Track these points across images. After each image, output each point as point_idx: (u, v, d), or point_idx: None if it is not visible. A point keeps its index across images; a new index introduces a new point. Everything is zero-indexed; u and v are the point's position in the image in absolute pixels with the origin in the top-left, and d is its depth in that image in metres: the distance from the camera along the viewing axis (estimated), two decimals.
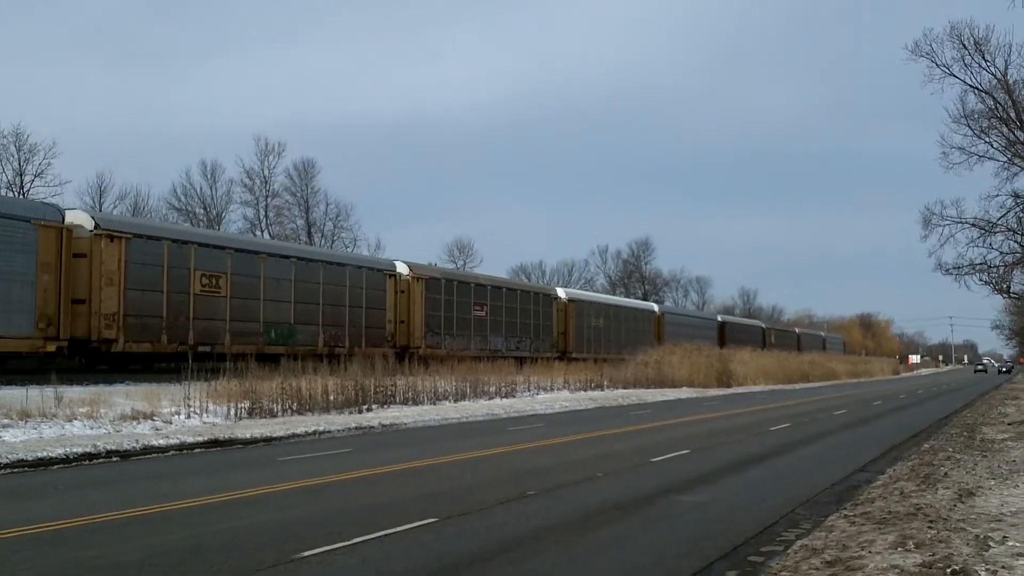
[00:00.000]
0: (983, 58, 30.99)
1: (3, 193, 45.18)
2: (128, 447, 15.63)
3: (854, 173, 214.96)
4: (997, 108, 32.09)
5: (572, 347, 50.30)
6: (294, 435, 18.85)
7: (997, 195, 33.19)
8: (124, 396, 20.36)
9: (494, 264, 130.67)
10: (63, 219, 24.56)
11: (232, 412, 21.02)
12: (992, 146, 32.66)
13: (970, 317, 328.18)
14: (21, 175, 49.35)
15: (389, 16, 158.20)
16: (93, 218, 25.75)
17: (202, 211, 61.23)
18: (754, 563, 7.68)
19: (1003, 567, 6.44)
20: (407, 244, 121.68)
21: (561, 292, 53.08)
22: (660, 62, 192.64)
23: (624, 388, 41.27)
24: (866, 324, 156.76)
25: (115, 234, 25.40)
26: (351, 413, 23.66)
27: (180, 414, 19.65)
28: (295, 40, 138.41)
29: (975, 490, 10.22)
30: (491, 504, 10.30)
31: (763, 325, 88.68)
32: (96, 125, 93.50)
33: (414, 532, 8.60)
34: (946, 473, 11.98)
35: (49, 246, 23.58)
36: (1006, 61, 30.84)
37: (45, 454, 14.15)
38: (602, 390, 39.36)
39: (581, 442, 18.71)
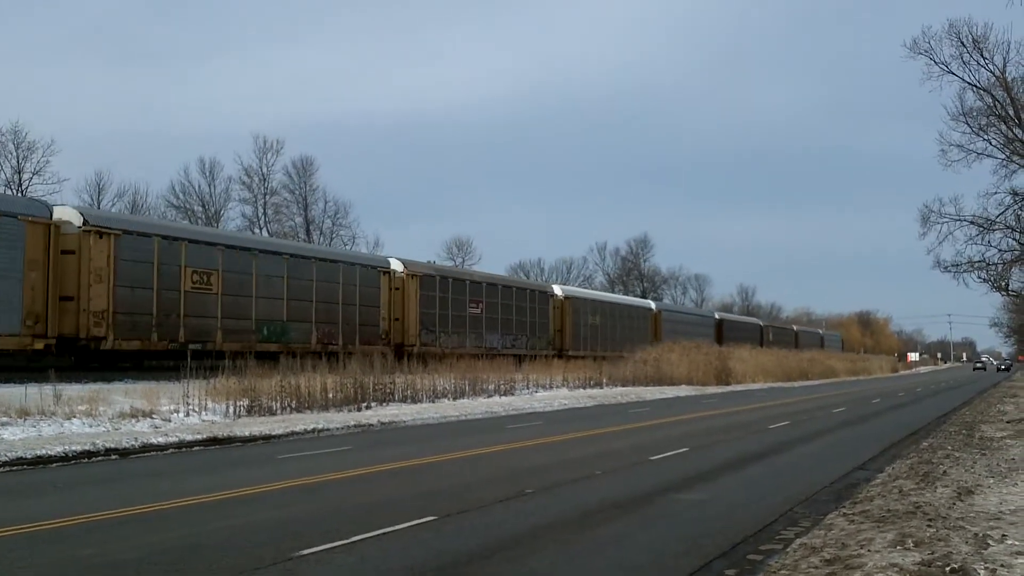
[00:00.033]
0: (981, 56, 31.07)
1: (1, 191, 45.13)
2: (127, 445, 15.63)
3: (854, 173, 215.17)
4: (995, 106, 32.14)
5: (568, 345, 50.13)
6: (293, 433, 18.84)
7: (995, 192, 33.28)
8: (123, 394, 20.36)
9: (493, 262, 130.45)
10: (51, 215, 24.26)
11: (231, 410, 21.01)
12: (991, 143, 32.75)
13: (969, 315, 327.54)
14: (19, 173, 49.38)
15: (389, 16, 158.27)
16: (82, 214, 25.40)
17: (200, 209, 61.25)
18: (753, 561, 7.68)
19: (1002, 565, 6.43)
20: (407, 243, 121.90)
21: (557, 289, 52.87)
22: (660, 62, 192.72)
23: (623, 386, 41.28)
24: (865, 322, 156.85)
25: (104, 230, 25.05)
26: (350, 411, 23.65)
27: (179, 412, 19.64)
28: (295, 40, 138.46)
29: (974, 488, 10.22)
30: (490, 502, 10.29)
31: (761, 323, 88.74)
32: (96, 125, 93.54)
33: (413, 530, 8.59)
34: (945, 471, 11.98)
35: (37, 242, 23.26)
36: (1004, 59, 30.92)
37: (44, 452, 14.15)
38: (601, 388, 39.37)
39: (580, 440, 18.71)
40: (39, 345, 23.31)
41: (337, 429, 20.16)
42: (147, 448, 15.80)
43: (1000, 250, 34.74)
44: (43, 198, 39.51)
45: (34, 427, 16.30)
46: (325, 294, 32.94)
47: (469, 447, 16.60)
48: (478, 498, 10.54)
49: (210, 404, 20.78)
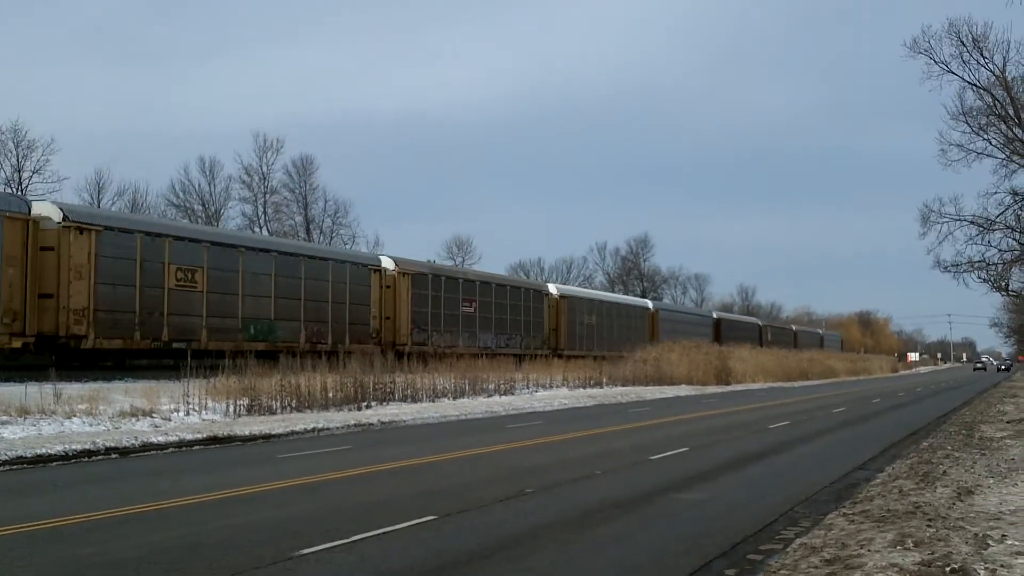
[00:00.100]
0: (981, 55, 31.06)
1: (2, 189, 45.12)
2: (127, 444, 15.64)
3: (854, 173, 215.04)
4: (995, 105, 32.13)
5: (564, 344, 49.71)
6: (293, 432, 18.84)
7: (995, 192, 33.28)
8: (123, 393, 20.35)
9: (494, 262, 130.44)
10: (29, 211, 23.86)
11: (231, 409, 21.01)
12: (991, 143, 32.74)
13: (969, 315, 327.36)
14: (19, 171, 49.35)
15: (389, 16, 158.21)
16: (62, 210, 24.82)
17: (200, 208, 61.21)
18: (753, 561, 7.67)
19: (1002, 566, 6.43)
20: (407, 242, 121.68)
21: (552, 288, 52.62)
22: (660, 62, 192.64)
23: (623, 385, 41.27)
24: (865, 322, 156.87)
25: (85, 226, 24.52)
26: (350, 410, 23.65)
27: (179, 411, 19.65)
28: (295, 40, 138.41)
29: (974, 488, 10.22)
30: (490, 502, 10.29)
31: (759, 322, 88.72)
32: (96, 124, 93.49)
33: (413, 530, 8.59)
34: (945, 471, 11.98)
35: (14, 238, 22.84)
36: (1004, 58, 30.91)
37: (44, 451, 14.15)
38: (601, 388, 39.36)
39: (580, 440, 18.71)
40: (17, 344, 22.85)
41: (337, 428, 20.16)
42: (147, 447, 15.81)
43: (1000, 250, 34.79)
44: (43, 196, 39.60)
45: (34, 426, 16.31)
46: (314, 292, 32.41)
47: (469, 447, 16.61)
48: (478, 497, 10.54)
49: (210, 403, 20.78)
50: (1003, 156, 32.62)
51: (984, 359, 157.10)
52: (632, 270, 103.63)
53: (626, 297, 71.11)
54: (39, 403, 17.40)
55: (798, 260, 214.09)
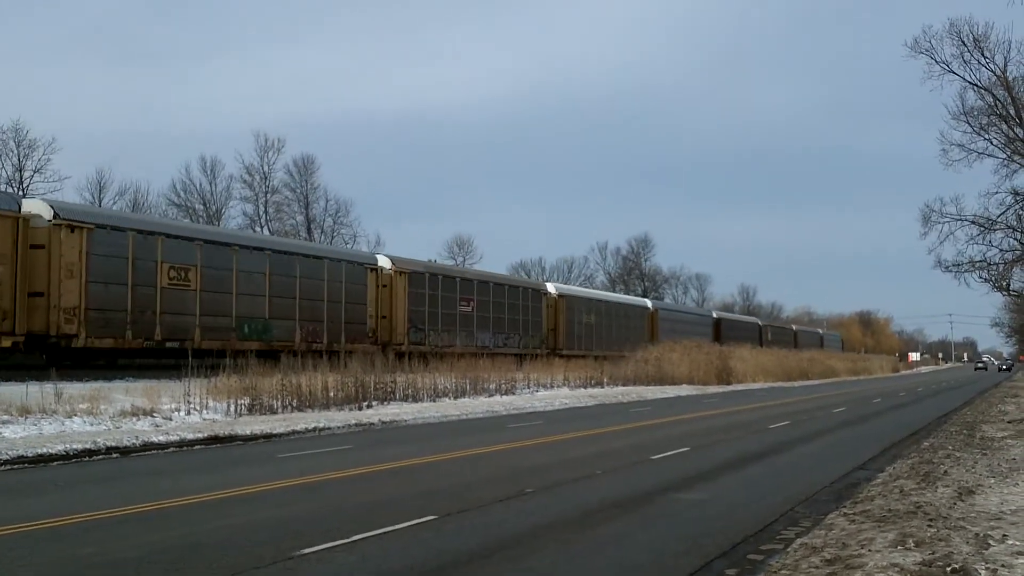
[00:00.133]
0: (982, 55, 31.03)
1: (3, 188, 45.13)
2: (128, 443, 15.64)
3: (854, 173, 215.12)
4: (996, 105, 32.11)
5: (562, 344, 49.50)
6: (294, 432, 18.84)
7: (997, 192, 33.27)
8: (124, 392, 20.36)
9: (494, 262, 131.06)
10: (19, 208, 23.62)
11: (232, 409, 21.02)
12: (992, 143, 32.72)
13: (970, 315, 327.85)
14: (20, 171, 49.39)
15: (389, 16, 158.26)
16: (52, 207, 24.62)
17: (202, 207, 61.26)
18: (754, 561, 7.67)
19: (1003, 565, 6.43)
20: (408, 242, 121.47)
21: (551, 287, 52.46)
22: (660, 62, 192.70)
23: (624, 385, 41.28)
24: (866, 322, 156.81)
25: (76, 224, 24.29)
26: (351, 410, 23.66)
27: (180, 411, 19.65)
28: (295, 40, 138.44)
29: (975, 488, 10.21)
30: (490, 502, 10.29)
31: (759, 322, 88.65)
32: (96, 124, 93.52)
33: (413, 530, 8.59)
34: (946, 471, 11.97)
35: (4, 236, 22.60)
36: (1005, 58, 30.89)
37: (45, 450, 14.15)
38: (602, 387, 39.36)
39: (580, 439, 18.71)
40: (7, 343, 22.63)
41: (338, 428, 20.16)
42: (148, 446, 15.81)
43: (1001, 250, 34.75)
44: (44, 196, 39.58)
45: (35, 425, 16.31)
46: (309, 291, 32.18)
47: (470, 446, 16.61)
48: (478, 497, 10.53)
49: (211, 403, 20.78)
50: (1004, 156, 32.63)
51: (985, 359, 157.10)
52: (633, 270, 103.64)
53: (625, 296, 70.96)
54: (40, 402, 17.41)
55: (798, 260, 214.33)
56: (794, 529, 8.99)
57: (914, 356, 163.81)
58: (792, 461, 15.48)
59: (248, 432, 18.08)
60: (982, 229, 33.99)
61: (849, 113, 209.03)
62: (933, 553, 6.81)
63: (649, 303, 66.08)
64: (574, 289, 60.77)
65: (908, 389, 53.66)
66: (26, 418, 16.60)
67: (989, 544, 7.13)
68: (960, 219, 33.88)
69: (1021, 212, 33.64)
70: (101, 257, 24.82)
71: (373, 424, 21.46)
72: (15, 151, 49.19)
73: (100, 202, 53.53)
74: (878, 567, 6.50)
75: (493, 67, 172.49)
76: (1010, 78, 31.11)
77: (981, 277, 35.69)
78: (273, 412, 21.82)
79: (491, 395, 31.33)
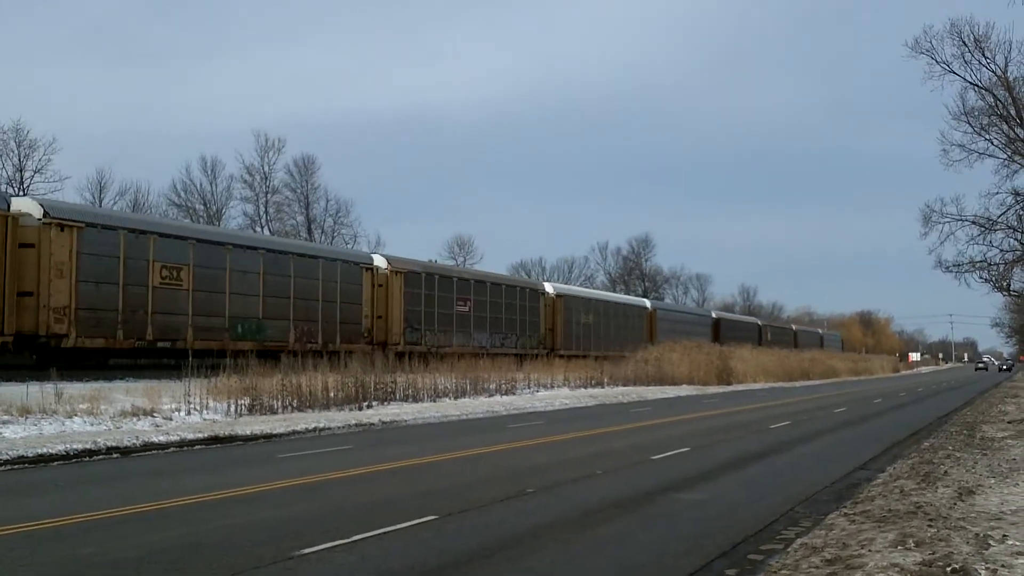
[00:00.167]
0: (983, 55, 31.04)
1: (3, 188, 45.13)
2: (128, 443, 15.64)
3: (854, 173, 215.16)
4: (997, 105, 32.12)
5: (560, 344, 49.33)
6: (294, 432, 18.85)
7: (997, 192, 33.28)
8: (124, 392, 20.36)
9: (494, 262, 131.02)
10: (8, 206, 23.46)
11: (232, 409, 21.02)
12: (992, 143, 32.73)
13: (970, 315, 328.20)
14: (21, 171, 49.36)
15: (389, 16, 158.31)
16: (42, 206, 24.41)
17: (202, 207, 61.24)
18: (754, 561, 7.67)
19: (1003, 566, 6.42)
20: (408, 242, 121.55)
21: (549, 287, 52.30)
22: (660, 62, 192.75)
23: (624, 385, 41.27)
24: (866, 322, 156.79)
25: (66, 223, 24.08)
26: (351, 410, 23.66)
27: (180, 411, 19.65)
28: (295, 40, 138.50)
29: (975, 488, 10.21)
30: (490, 502, 10.29)
31: (759, 322, 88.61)
32: (96, 124, 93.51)
33: (413, 530, 8.59)
34: (946, 471, 11.97)
35: None
36: (1006, 58, 30.90)
37: (45, 450, 14.15)
38: (602, 387, 39.36)
39: (581, 439, 18.71)
40: None
41: (338, 428, 20.16)
42: (148, 447, 15.81)
43: (1002, 250, 34.77)
44: (45, 195, 39.56)
45: (35, 425, 16.31)
46: (304, 291, 31.97)
47: (470, 446, 16.61)
48: (479, 497, 10.53)
49: (211, 403, 20.79)
50: (1005, 156, 32.64)
51: (986, 359, 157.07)
52: (634, 270, 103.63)
53: (624, 296, 70.86)
54: (40, 403, 17.41)
55: (798, 260, 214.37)
56: (794, 529, 8.99)
57: (914, 356, 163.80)
58: (792, 461, 15.48)
59: (248, 432, 18.08)
60: (983, 229, 34.02)
61: (849, 113, 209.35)
62: (933, 553, 6.81)
63: (648, 303, 65.99)
64: (572, 289, 60.68)
65: (908, 389, 53.65)
66: (26, 418, 16.60)
67: (989, 544, 7.13)
68: (961, 219, 33.92)
69: (1022, 212, 33.68)
70: (92, 256, 24.64)
71: (373, 424, 21.47)
72: (16, 151, 49.23)
73: (100, 202, 53.51)
74: (878, 567, 6.50)
75: (493, 67, 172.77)
76: (1011, 78, 31.14)
77: (981, 277, 35.74)
78: (273, 412, 21.83)
79: (491, 395, 31.32)
